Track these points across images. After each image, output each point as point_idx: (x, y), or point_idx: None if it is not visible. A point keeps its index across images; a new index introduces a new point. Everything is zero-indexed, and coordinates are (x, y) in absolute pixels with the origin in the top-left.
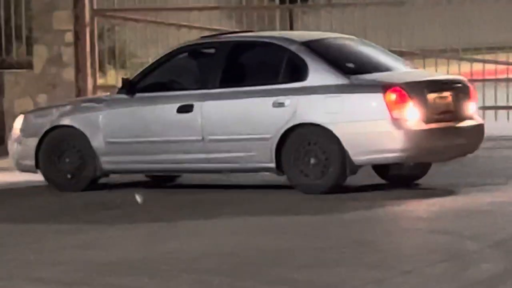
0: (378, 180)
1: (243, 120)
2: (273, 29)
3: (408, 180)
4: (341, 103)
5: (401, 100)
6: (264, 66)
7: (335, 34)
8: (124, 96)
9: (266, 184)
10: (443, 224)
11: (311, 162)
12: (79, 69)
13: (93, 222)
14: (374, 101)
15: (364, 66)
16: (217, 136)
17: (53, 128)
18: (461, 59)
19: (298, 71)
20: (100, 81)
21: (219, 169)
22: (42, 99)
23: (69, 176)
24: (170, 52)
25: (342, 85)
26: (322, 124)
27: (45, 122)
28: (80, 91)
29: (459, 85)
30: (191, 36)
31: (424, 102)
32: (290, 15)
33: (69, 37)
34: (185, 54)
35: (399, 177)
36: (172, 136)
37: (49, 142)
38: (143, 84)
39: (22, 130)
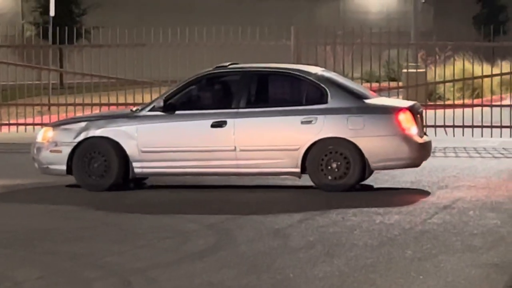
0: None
1: (274, 134)
2: (47, 63)
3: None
4: (362, 122)
5: (409, 119)
6: (287, 92)
7: (320, 68)
8: (159, 112)
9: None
10: (171, 209)
11: (332, 166)
12: None
13: None
14: (389, 120)
15: (361, 92)
16: (248, 146)
17: (86, 139)
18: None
19: (319, 96)
20: None
21: (247, 173)
22: None
23: (94, 177)
24: (196, 78)
25: (361, 107)
26: (347, 138)
27: (77, 133)
28: None
29: (421, 109)
30: None
31: (417, 122)
32: (60, 53)
33: None
34: (211, 79)
35: None
36: (206, 146)
37: (82, 150)
38: (174, 103)
39: (53, 140)
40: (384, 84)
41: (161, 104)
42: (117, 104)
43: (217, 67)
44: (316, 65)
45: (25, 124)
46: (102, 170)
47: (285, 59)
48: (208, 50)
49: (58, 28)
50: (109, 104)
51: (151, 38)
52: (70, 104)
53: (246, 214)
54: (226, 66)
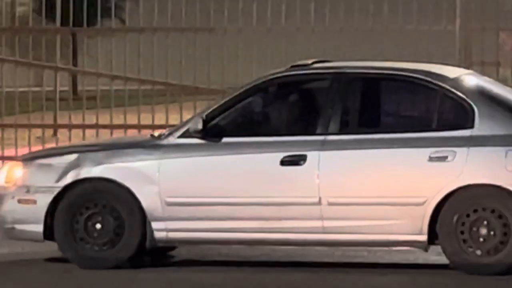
0: None
1: (384, 177)
2: (53, 56)
3: None
4: None
5: None
6: (406, 108)
7: (464, 69)
8: (195, 140)
9: None
10: None
11: (481, 233)
12: None
13: None
14: None
15: None
16: (341, 197)
17: (77, 182)
18: None
19: (460, 116)
20: None
21: (339, 242)
22: None
23: (96, 248)
24: (255, 86)
25: None
26: (506, 186)
27: (63, 172)
28: None
29: None
30: None
31: None
32: (74, 41)
33: None
34: (281, 87)
35: None
36: (273, 197)
37: (71, 201)
38: (220, 125)
39: (23, 183)
40: None
41: (199, 126)
42: (167, 126)
43: (292, 66)
44: (497, 63)
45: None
46: (108, 234)
47: (446, 52)
48: (319, 38)
49: (71, 1)
50: (153, 127)
51: (224, 20)
52: (90, 126)
53: None
54: (307, 66)
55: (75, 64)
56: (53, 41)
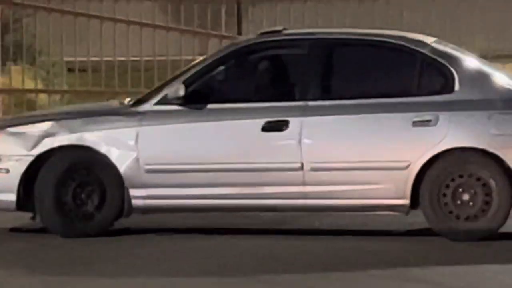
0: None
1: (366, 142)
2: (218, 25)
3: None
4: None
5: None
6: (387, 74)
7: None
8: (174, 107)
9: None
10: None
11: (463, 199)
12: None
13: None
14: None
15: (507, 76)
16: (323, 163)
17: (53, 150)
18: None
19: (440, 81)
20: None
21: (321, 207)
22: None
23: (78, 216)
24: (234, 51)
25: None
26: (488, 150)
27: (37, 140)
28: None
29: None
30: (117, 31)
31: None
32: (238, 8)
33: None
34: (260, 53)
35: None
36: (254, 163)
37: (47, 170)
38: (199, 92)
39: None
40: None
41: (180, 92)
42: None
43: (262, 34)
44: None
45: None
46: (93, 202)
47: None
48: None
49: None
50: None
51: None
52: None
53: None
54: (278, 32)
55: (239, 32)
56: (218, 10)
